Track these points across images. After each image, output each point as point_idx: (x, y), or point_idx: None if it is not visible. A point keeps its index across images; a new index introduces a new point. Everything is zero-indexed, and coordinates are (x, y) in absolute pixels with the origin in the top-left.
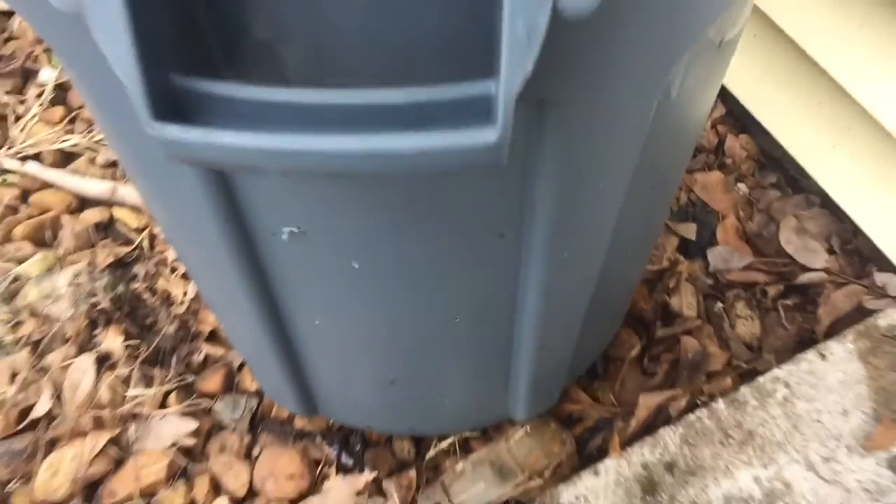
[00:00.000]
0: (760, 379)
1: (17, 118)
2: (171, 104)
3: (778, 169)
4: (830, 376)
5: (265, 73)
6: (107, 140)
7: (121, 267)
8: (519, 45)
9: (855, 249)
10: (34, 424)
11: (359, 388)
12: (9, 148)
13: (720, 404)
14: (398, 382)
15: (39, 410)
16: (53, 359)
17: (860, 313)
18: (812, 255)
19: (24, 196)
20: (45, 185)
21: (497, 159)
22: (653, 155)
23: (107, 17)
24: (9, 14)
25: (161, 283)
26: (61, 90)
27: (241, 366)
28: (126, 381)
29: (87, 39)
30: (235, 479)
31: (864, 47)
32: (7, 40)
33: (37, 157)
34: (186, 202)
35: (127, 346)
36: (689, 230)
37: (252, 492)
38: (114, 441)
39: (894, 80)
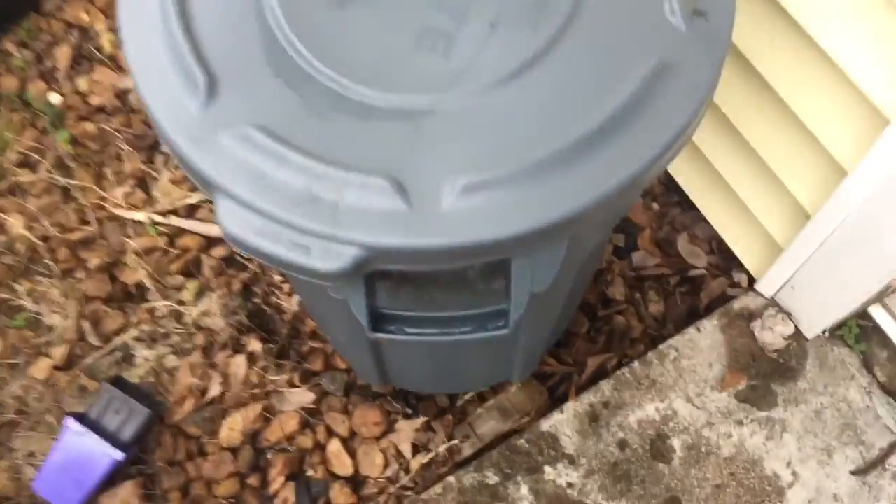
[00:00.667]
0: (661, 346)
1: (155, 182)
2: (375, 318)
3: (677, 191)
4: (702, 342)
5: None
6: (309, 307)
7: (245, 289)
8: (520, 294)
9: (724, 253)
10: (211, 401)
11: (417, 373)
12: (153, 206)
13: (636, 364)
14: (439, 373)
15: (213, 392)
16: (218, 358)
17: (724, 299)
18: (697, 257)
19: (171, 241)
20: (183, 231)
21: (508, 337)
22: (587, 267)
23: (356, 292)
24: (127, 91)
25: (273, 299)
26: None
27: (333, 352)
28: (265, 370)
29: (326, 291)
30: (342, 426)
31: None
32: (130, 112)
33: (174, 211)
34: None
35: (263, 346)
36: (619, 239)
37: (353, 433)
38: (264, 408)
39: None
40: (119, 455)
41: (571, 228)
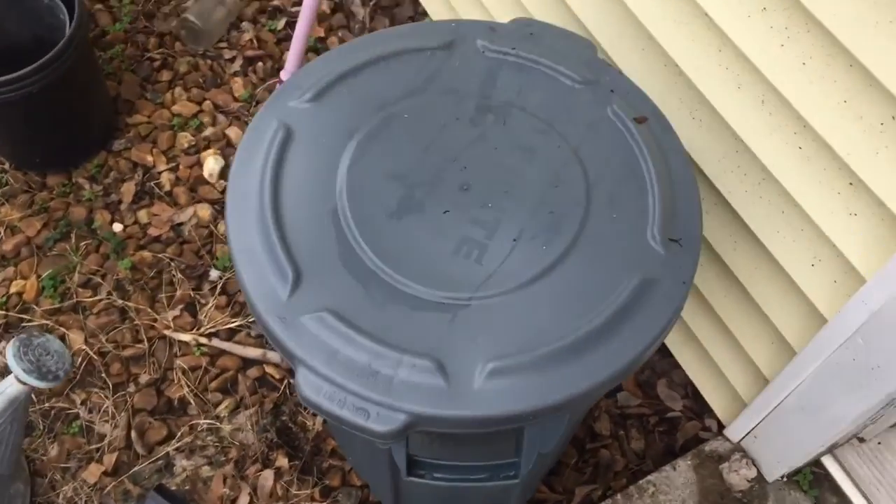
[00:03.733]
0: (641, 481)
1: (201, 307)
2: (413, 466)
3: None
4: (677, 480)
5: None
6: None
7: (275, 407)
8: (530, 454)
9: (697, 398)
10: None
11: (426, 500)
12: (198, 329)
13: (618, 497)
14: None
15: (242, 502)
16: (248, 471)
17: (697, 440)
18: (675, 400)
19: (212, 360)
20: (223, 353)
21: (520, 485)
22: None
23: (399, 445)
24: (181, 224)
25: (299, 418)
26: (224, 284)
27: (350, 470)
28: (289, 484)
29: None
30: None
31: None
32: (182, 243)
33: (216, 334)
34: (381, 467)
35: (289, 462)
36: None
37: None
38: None
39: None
40: None
41: (572, 406)
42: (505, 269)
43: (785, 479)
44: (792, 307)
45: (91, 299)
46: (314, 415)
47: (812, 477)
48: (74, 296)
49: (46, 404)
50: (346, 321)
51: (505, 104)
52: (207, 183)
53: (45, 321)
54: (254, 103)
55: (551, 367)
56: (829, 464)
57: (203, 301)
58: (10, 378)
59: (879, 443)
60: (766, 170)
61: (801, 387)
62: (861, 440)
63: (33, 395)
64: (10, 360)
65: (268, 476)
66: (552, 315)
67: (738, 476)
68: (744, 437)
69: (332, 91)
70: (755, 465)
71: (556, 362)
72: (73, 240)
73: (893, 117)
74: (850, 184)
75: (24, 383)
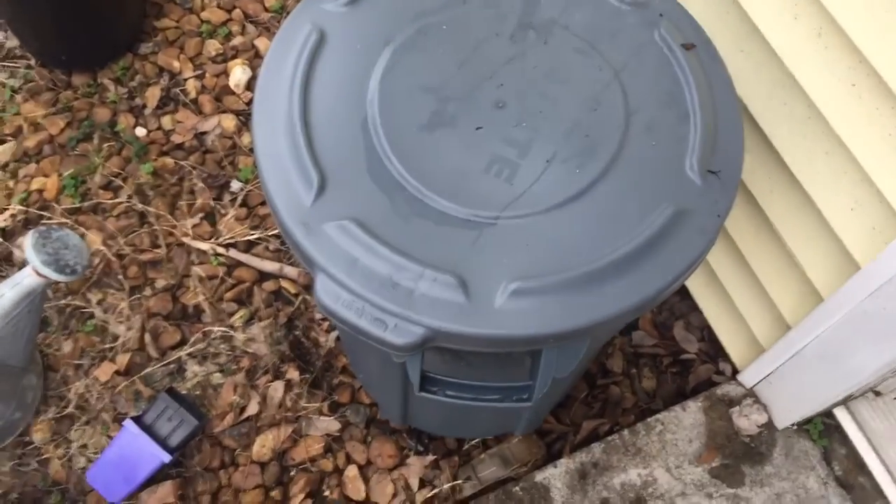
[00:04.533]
0: (649, 419)
1: (220, 217)
2: (426, 382)
3: None
4: (686, 420)
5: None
6: (355, 367)
7: (289, 321)
8: (545, 377)
9: (713, 342)
10: (249, 418)
11: (435, 419)
12: (217, 238)
13: (625, 432)
14: (454, 421)
15: (251, 410)
16: (259, 381)
17: (709, 383)
18: (690, 343)
19: (229, 271)
20: (240, 264)
21: (530, 410)
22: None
23: (414, 359)
24: (205, 133)
25: (312, 334)
26: (245, 196)
27: (359, 388)
28: (299, 396)
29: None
30: (360, 455)
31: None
32: (205, 153)
33: (234, 245)
34: (392, 382)
35: (299, 375)
36: None
37: (369, 462)
38: (294, 430)
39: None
40: (167, 457)
41: (595, 331)
42: (535, 190)
43: (795, 427)
44: (824, 252)
45: (111, 201)
46: (327, 331)
47: (822, 427)
48: (95, 197)
49: (62, 301)
50: (369, 231)
51: (548, 22)
52: (233, 93)
53: (64, 220)
54: (284, 14)
55: (575, 291)
56: (842, 415)
57: (223, 211)
58: (28, 269)
59: (895, 397)
60: (813, 107)
61: (824, 334)
62: (877, 394)
63: (49, 291)
64: (29, 251)
65: (278, 387)
66: (580, 239)
67: (748, 420)
68: (758, 383)
69: None
70: (766, 412)
71: (580, 287)
72: (96, 141)
73: None
74: None
75: (42, 275)
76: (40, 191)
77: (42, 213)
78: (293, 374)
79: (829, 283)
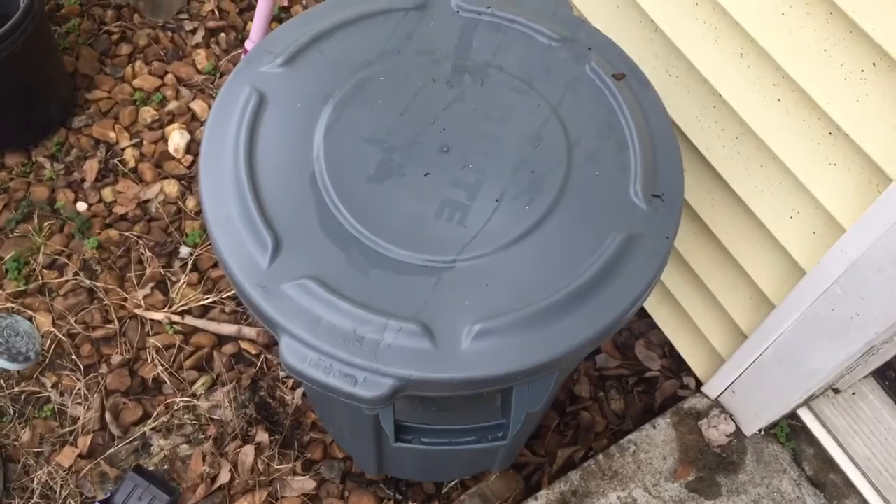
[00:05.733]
0: (622, 440)
1: (172, 285)
2: (400, 432)
3: None
4: (657, 438)
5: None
6: (325, 422)
7: (253, 383)
8: (518, 414)
9: (675, 358)
10: (221, 487)
11: (411, 465)
12: (170, 307)
13: (600, 456)
14: (431, 465)
15: (223, 478)
16: (228, 447)
17: (675, 398)
18: (652, 360)
19: (186, 339)
20: (197, 330)
21: (505, 447)
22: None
23: (386, 411)
24: (147, 201)
25: (278, 393)
26: (196, 261)
27: (331, 442)
28: (271, 459)
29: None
30: None
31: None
32: (150, 221)
33: (189, 311)
34: (365, 434)
35: (269, 437)
36: None
37: None
38: (269, 494)
39: None
40: None
41: (562, 363)
42: (488, 229)
43: (762, 433)
44: (770, 261)
45: (57, 280)
46: (293, 389)
47: (789, 429)
48: (40, 277)
49: (16, 388)
50: (328, 287)
51: (482, 64)
52: (173, 158)
53: (9, 304)
54: (218, 75)
55: (538, 325)
56: (805, 415)
57: (174, 278)
58: None
59: (853, 393)
60: (744, 124)
61: (779, 340)
62: (836, 391)
63: (1, 380)
64: None
65: (248, 452)
66: (538, 274)
67: (716, 431)
68: (722, 393)
69: (305, 55)
70: (733, 420)
71: (543, 321)
72: (36, 220)
73: (874, 64)
74: (830, 133)
75: None
76: None
77: None
78: (262, 436)
79: (779, 290)
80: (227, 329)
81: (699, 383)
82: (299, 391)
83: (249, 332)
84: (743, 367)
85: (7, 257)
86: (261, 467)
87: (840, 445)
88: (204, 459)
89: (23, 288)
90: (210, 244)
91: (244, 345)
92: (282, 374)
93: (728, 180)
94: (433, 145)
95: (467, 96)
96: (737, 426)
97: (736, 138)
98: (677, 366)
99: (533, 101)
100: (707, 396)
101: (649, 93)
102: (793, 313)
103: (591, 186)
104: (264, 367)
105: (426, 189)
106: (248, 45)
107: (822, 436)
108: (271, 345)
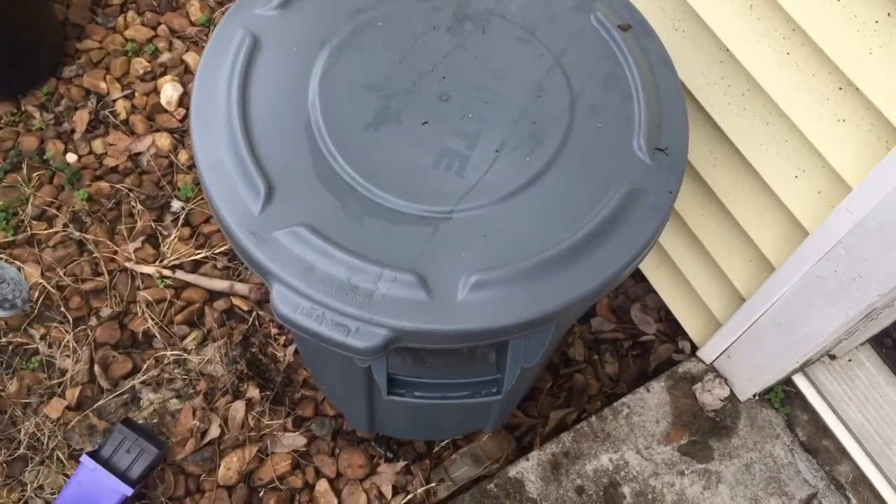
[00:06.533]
0: (615, 403)
1: (164, 239)
2: (393, 385)
3: None
4: (651, 401)
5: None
6: (317, 379)
7: (244, 339)
8: (513, 368)
9: (670, 322)
10: (211, 442)
11: (402, 423)
12: (161, 261)
13: (593, 419)
14: (422, 423)
15: (213, 433)
16: (218, 403)
17: (670, 363)
18: (647, 324)
19: (177, 293)
20: (188, 285)
21: (499, 404)
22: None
23: (379, 363)
24: (139, 154)
25: (269, 349)
26: (188, 215)
27: (323, 400)
28: (261, 415)
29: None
30: (329, 468)
31: None
32: (141, 174)
33: (180, 266)
34: (357, 389)
35: (260, 393)
36: None
37: (339, 474)
38: (259, 450)
39: None
40: (129, 491)
41: (559, 318)
42: (487, 180)
43: (757, 398)
44: (772, 222)
45: (46, 232)
46: (285, 346)
47: (783, 395)
48: (28, 228)
49: (3, 339)
50: (322, 235)
51: (484, 12)
52: (165, 111)
53: None
54: (211, 27)
55: (537, 278)
56: (800, 381)
57: (165, 233)
58: None
59: (850, 360)
60: (751, 79)
61: (778, 303)
62: (832, 357)
63: None
64: None
65: (238, 407)
66: (537, 226)
67: (710, 396)
68: (717, 358)
69: None
70: (727, 385)
71: (541, 274)
72: (25, 170)
73: (889, 14)
74: (840, 88)
75: None
76: None
77: None
78: (253, 392)
79: (780, 252)
80: (219, 284)
81: (694, 348)
82: (291, 348)
83: (242, 287)
84: (739, 331)
85: None
86: (251, 423)
87: (834, 412)
88: (194, 414)
89: (11, 238)
90: (203, 199)
91: (236, 301)
92: (274, 330)
93: (732, 138)
94: (432, 93)
95: (468, 44)
96: (731, 391)
97: (742, 94)
98: (673, 330)
99: (536, 50)
100: (702, 361)
101: (655, 44)
102: (793, 275)
103: (594, 139)
104: (256, 323)
105: (424, 138)
106: None
107: (817, 402)
108: (263, 301)
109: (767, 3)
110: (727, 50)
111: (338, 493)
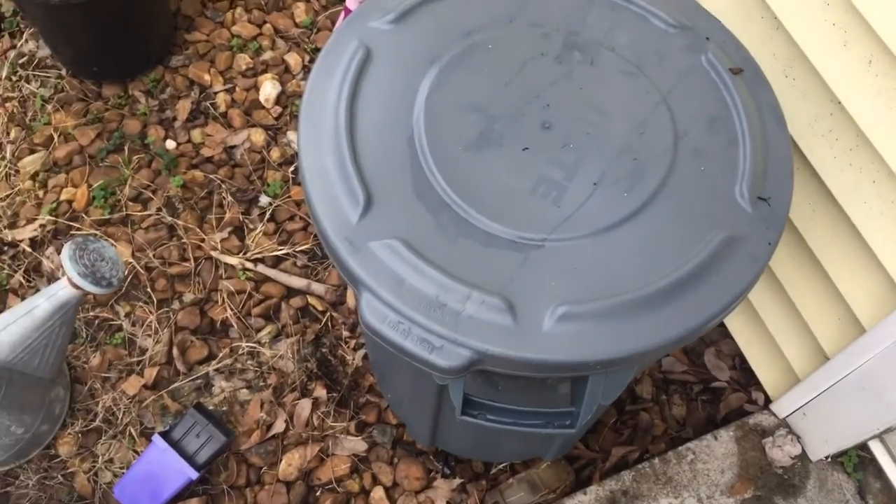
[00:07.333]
0: (680, 447)
1: (249, 232)
2: (466, 405)
3: None
4: (718, 450)
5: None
6: (384, 387)
7: (316, 339)
8: (591, 404)
9: (745, 371)
10: (275, 436)
11: (464, 441)
12: (245, 253)
13: (656, 460)
14: (484, 444)
15: (278, 428)
16: (286, 398)
17: (740, 412)
18: (721, 370)
19: (257, 286)
20: (268, 279)
21: (572, 436)
22: None
23: (457, 382)
24: (234, 147)
25: (339, 351)
26: (274, 211)
27: (386, 407)
28: (326, 415)
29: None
30: (386, 476)
31: None
32: (234, 166)
33: (262, 260)
34: (424, 404)
35: (327, 394)
36: None
37: (395, 484)
38: (320, 450)
39: None
40: (194, 474)
41: (642, 359)
42: (583, 212)
43: (829, 459)
44: (868, 282)
45: (140, 213)
46: (354, 349)
47: (857, 460)
48: (124, 208)
49: (91, 313)
50: (415, 251)
51: (593, 42)
52: (263, 107)
53: (93, 231)
54: (315, 30)
55: (624, 317)
56: (876, 448)
57: (251, 226)
58: (63, 280)
59: None
60: (862, 135)
61: (865, 366)
62: None
63: None
64: (66, 263)
65: (305, 405)
66: (629, 264)
67: (781, 452)
68: (791, 413)
69: (415, 14)
70: (800, 443)
71: (629, 313)
72: (126, 153)
73: None
74: None
75: (78, 287)
76: (70, 201)
77: (71, 223)
78: (320, 392)
79: (873, 314)
80: (298, 282)
81: (768, 400)
82: (360, 352)
83: (318, 287)
84: (819, 389)
85: (95, 185)
86: (315, 422)
87: None
88: (262, 407)
89: (107, 217)
90: (290, 197)
91: (312, 300)
92: (345, 333)
93: (834, 193)
94: (535, 120)
95: (575, 74)
96: (803, 449)
97: (850, 150)
98: (746, 379)
99: (643, 86)
100: (775, 415)
101: (766, 92)
102: (885, 340)
103: (695, 181)
104: (329, 324)
105: (524, 164)
106: (350, 3)
107: (892, 471)
108: (338, 303)
109: (888, 60)
110: (839, 103)
111: (392, 502)
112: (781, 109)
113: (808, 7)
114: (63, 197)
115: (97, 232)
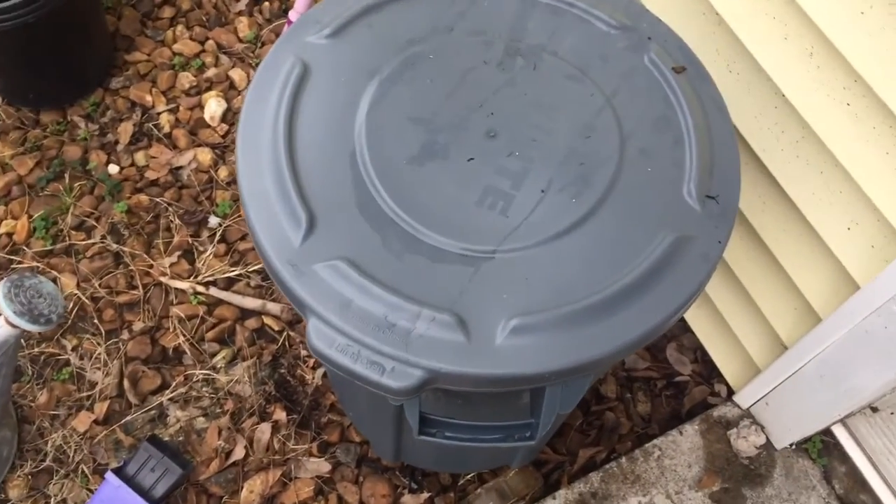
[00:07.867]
0: (647, 445)
1: (199, 254)
2: (423, 424)
3: None
4: (684, 445)
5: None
6: (345, 405)
7: (274, 360)
8: (549, 414)
9: (707, 364)
10: (235, 463)
11: (428, 455)
12: (196, 277)
13: (623, 459)
14: (449, 457)
15: (237, 455)
16: (245, 423)
17: (704, 405)
18: (683, 365)
19: (210, 310)
20: (221, 302)
21: (533, 446)
22: None
23: (412, 402)
24: (180, 168)
25: (298, 371)
26: (224, 232)
27: (349, 425)
28: (287, 438)
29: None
30: (352, 496)
31: None
32: (181, 188)
33: (214, 283)
34: (386, 422)
35: (286, 416)
36: None
37: (362, 503)
38: (283, 474)
39: None
40: None
41: (599, 366)
42: (532, 221)
43: (793, 447)
44: (821, 272)
45: (84, 242)
46: (314, 368)
47: (821, 445)
48: (67, 238)
49: (36, 349)
50: (361, 270)
51: (536, 48)
52: (208, 126)
53: (35, 263)
54: (259, 45)
55: (578, 325)
56: (840, 433)
57: (201, 248)
58: (0, 320)
59: (892, 413)
60: (807, 127)
61: (822, 354)
62: (874, 410)
63: (22, 340)
64: (1, 302)
65: (265, 429)
66: (581, 271)
67: (746, 442)
68: (754, 404)
69: (353, 27)
70: (764, 432)
71: (583, 321)
72: (67, 180)
73: None
74: None
75: (15, 326)
76: (9, 234)
77: (12, 257)
78: (280, 414)
79: (828, 303)
80: (252, 303)
81: (731, 392)
82: (320, 371)
83: (273, 307)
84: (780, 379)
85: (36, 215)
86: (276, 446)
87: (874, 465)
88: (220, 434)
89: (49, 248)
90: (240, 216)
91: (267, 320)
92: (303, 352)
93: (783, 185)
94: (479, 129)
95: (518, 81)
96: (767, 438)
97: (796, 142)
98: (708, 372)
99: (587, 89)
100: (738, 406)
101: (710, 88)
102: (841, 328)
103: (643, 183)
104: (286, 344)
105: (469, 175)
106: (293, 15)
107: (857, 455)
108: (294, 322)
109: (828, 52)
110: (783, 95)
111: None
112: (726, 107)
113: (748, 1)
114: (2, 230)
115: (39, 264)
